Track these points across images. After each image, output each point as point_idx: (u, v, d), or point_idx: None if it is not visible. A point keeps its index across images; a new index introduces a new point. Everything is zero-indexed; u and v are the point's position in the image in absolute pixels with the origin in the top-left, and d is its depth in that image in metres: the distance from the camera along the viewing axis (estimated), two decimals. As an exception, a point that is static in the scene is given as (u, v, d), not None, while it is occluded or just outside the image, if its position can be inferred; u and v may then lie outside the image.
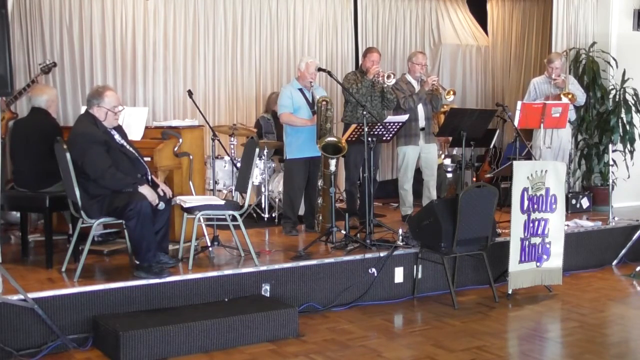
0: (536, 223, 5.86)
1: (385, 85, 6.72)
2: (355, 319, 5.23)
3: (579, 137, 8.44)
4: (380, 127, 6.16)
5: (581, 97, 7.66)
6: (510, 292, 5.78)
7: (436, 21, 10.10)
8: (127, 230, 5.00)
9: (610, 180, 7.54)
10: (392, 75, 6.65)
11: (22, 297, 4.37)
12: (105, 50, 7.82)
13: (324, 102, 6.45)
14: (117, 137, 5.14)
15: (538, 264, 5.90)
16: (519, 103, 7.03)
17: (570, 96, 7.37)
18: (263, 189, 7.51)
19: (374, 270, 5.62)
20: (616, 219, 7.27)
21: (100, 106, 5.03)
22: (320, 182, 6.64)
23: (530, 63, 10.04)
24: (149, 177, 5.18)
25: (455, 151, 8.90)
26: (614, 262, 7.03)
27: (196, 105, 6.66)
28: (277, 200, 7.53)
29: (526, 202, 5.77)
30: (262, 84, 8.77)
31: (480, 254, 5.75)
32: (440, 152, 8.54)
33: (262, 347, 4.58)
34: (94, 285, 4.73)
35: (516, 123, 6.95)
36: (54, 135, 5.19)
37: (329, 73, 6.49)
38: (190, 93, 6.65)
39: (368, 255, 5.64)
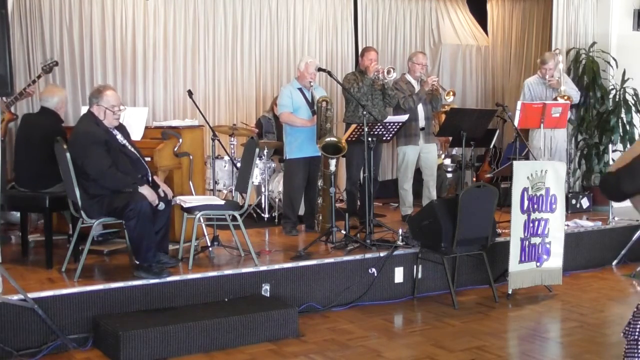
0: (536, 223, 5.85)
1: (386, 82, 6.72)
2: (355, 319, 5.23)
3: (579, 137, 8.44)
4: (380, 127, 6.16)
5: (575, 96, 7.66)
6: (510, 292, 5.78)
7: (436, 21, 10.09)
8: (127, 230, 4.99)
9: (610, 180, 7.51)
10: (392, 70, 6.63)
11: (22, 297, 4.37)
12: (105, 50, 7.82)
13: (324, 102, 6.45)
14: (119, 137, 5.14)
15: (538, 264, 5.89)
16: (519, 103, 7.03)
17: (565, 98, 7.38)
18: (263, 189, 7.51)
19: (374, 270, 5.62)
20: (616, 219, 7.27)
21: (99, 105, 5.03)
22: (320, 182, 6.65)
23: (530, 63, 10.01)
24: (150, 178, 5.18)
25: (455, 151, 8.89)
26: (614, 262, 7.02)
27: (196, 105, 6.65)
28: (277, 200, 7.52)
29: (526, 202, 5.77)
30: (262, 84, 8.76)
31: (480, 254, 5.75)
32: (440, 152, 8.53)
33: (262, 347, 4.58)
34: (94, 285, 4.73)
35: (516, 123, 6.95)
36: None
37: (329, 73, 6.48)
38: (190, 93, 6.65)
39: (368, 255, 5.64)
